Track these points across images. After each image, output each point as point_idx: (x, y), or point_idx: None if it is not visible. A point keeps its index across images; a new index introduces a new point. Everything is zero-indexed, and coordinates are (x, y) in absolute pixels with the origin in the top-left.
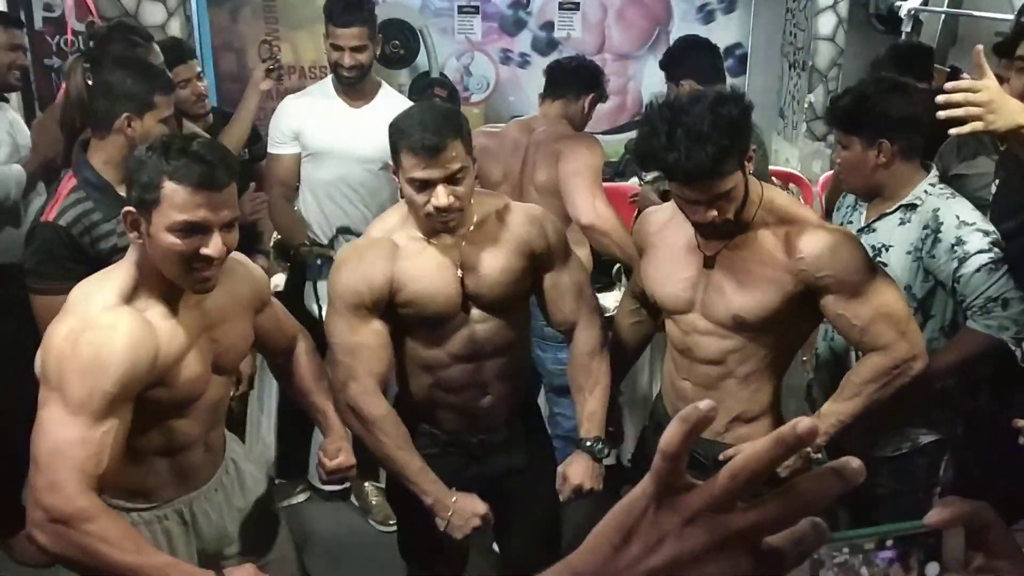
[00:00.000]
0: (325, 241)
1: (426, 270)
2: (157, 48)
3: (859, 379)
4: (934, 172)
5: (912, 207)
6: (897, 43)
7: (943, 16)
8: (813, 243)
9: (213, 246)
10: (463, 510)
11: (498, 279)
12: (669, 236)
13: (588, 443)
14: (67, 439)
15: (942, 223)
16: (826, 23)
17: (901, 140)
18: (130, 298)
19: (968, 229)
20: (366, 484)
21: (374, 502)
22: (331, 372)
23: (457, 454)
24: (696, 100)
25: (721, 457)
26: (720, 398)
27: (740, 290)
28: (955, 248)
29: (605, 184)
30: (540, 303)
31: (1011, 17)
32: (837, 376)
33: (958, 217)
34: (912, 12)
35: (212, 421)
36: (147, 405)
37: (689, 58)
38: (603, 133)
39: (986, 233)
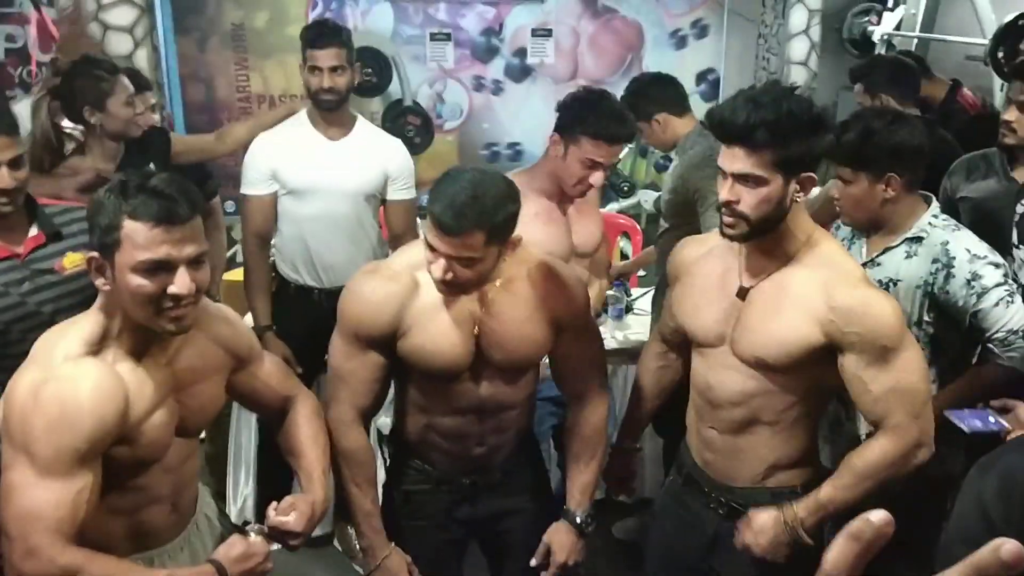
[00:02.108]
0: (305, 277)
1: (439, 321)
2: (125, 80)
3: (864, 464)
4: (935, 204)
5: (918, 240)
6: (887, 56)
7: (915, 40)
8: (848, 297)
9: (180, 283)
10: (389, 568)
11: (517, 345)
12: (706, 266)
13: (578, 518)
14: (39, 502)
15: (954, 258)
16: (799, 48)
17: (908, 172)
18: (97, 349)
19: (981, 263)
20: (349, 528)
21: (358, 546)
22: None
23: (448, 492)
24: (784, 86)
25: None
26: (753, 444)
27: (766, 330)
28: (972, 284)
29: None
30: (552, 367)
31: (983, 41)
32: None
33: (969, 251)
34: (885, 37)
35: (177, 483)
36: (106, 463)
37: (667, 87)
38: None
39: (997, 266)
